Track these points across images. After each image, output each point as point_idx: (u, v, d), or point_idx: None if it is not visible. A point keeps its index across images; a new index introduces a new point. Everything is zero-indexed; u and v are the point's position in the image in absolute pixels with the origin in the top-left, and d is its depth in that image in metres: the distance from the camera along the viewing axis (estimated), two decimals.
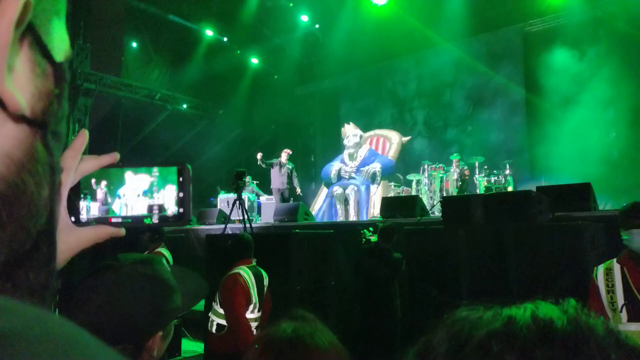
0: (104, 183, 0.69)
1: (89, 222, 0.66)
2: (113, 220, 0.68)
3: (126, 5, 13.31)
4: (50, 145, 0.36)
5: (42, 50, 0.35)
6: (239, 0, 13.35)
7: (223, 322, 3.66)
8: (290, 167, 10.79)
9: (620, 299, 2.64)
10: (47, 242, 0.36)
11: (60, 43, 0.38)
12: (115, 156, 0.65)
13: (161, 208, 0.71)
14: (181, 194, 0.71)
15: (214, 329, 3.70)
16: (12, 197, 0.31)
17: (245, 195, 9.56)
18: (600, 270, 2.81)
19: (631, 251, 2.70)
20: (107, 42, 13.52)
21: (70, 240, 0.59)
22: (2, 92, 0.31)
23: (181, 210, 0.71)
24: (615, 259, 2.80)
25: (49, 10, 0.36)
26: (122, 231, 0.67)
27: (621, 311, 2.62)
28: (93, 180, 0.68)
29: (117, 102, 13.90)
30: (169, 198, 0.71)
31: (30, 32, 0.34)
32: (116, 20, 13.58)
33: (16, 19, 0.31)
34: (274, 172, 10.71)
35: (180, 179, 0.71)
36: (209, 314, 3.80)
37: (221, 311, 3.65)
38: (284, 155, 10.78)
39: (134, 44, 14.30)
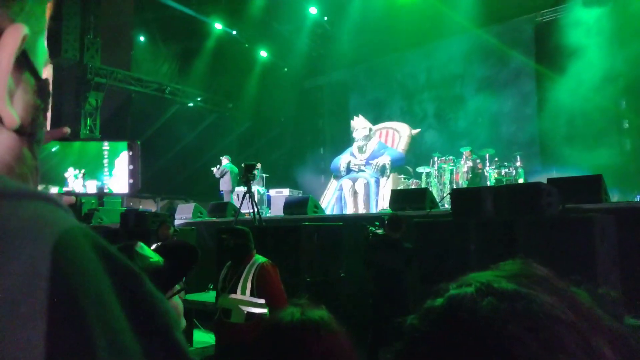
0: (82, 171, 0.81)
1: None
2: (64, 189, 0.79)
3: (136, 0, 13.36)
4: (34, 150, 0.42)
5: (31, 70, 0.41)
6: None
7: (255, 310, 3.53)
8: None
9: None
10: None
11: (43, 59, 0.43)
12: (64, 130, 0.71)
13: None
14: (131, 166, 0.81)
15: (242, 319, 3.53)
16: None
17: (255, 188, 9.62)
18: None
19: None
20: (117, 36, 13.59)
21: None
22: (2, 111, 0.37)
23: (131, 181, 0.81)
24: None
25: (36, 32, 0.41)
26: (72, 199, 0.77)
27: None
28: (70, 169, 0.79)
29: (127, 96, 13.99)
30: (120, 170, 0.81)
31: (22, 56, 0.39)
32: (126, 14, 13.64)
33: (17, 51, 0.37)
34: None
35: (130, 152, 0.81)
36: (232, 305, 3.60)
37: (253, 300, 3.54)
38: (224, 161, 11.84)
39: (144, 38, 14.35)
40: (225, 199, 11.06)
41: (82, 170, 0.81)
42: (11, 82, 0.39)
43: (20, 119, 0.39)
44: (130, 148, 0.82)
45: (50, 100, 0.46)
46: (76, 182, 0.81)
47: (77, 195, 0.80)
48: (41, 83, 0.42)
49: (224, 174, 11.58)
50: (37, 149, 0.43)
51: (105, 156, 0.81)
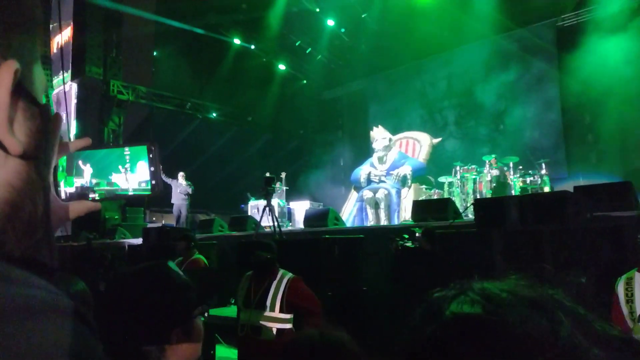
0: (88, 165, 0.85)
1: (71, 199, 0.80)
2: (91, 196, 0.82)
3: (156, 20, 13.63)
4: (42, 172, 0.46)
5: (29, 98, 0.44)
6: (266, 8, 13.47)
7: (284, 326, 3.51)
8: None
9: (639, 309, 2.54)
10: (47, 246, 0.45)
11: (40, 85, 0.47)
12: (87, 140, 0.74)
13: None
14: (152, 168, 0.86)
15: (272, 336, 3.48)
16: (13, 215, 0.42)
17: (275, 201, 9.62)
18: (622, 280, 2.71)
19: None
20: (138, 54, 13.87)
21: (55, 215, 0.66)
22: (5, 140, 0.41)
23: (153, 182, 0.87)
24: (636, 269, 2.67)
25: (29, 62, 0.45)
26: (98, 205, 0.78)
27: (639, 321, 2.50)
28: (80, 161, 0.84)
29: (149, 112, 14.22)
30: (142, 172, 0.87)
31: (18, 87, 0.42)
32: (146, 32, 13.92)
33: (11, 85, 0.41)
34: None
35: (150, 155, 0.85)
36: (260, 322, 3.52)
37: (282, 316, 3.50)
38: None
39: (165, 55, 14.60)
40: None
41: (89, 164, 0.85)
42: (12, 112, 0.42)
43: (24, 145, 0.42)
44: (149, 151, 0.88)
45: (58, 123, 0.49)
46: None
47: (104, 200, 0.84)
48: (41, 108, 0.45)
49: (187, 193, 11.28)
50: (46, 170, 0.46)
51: (127, 160, 0.87)
